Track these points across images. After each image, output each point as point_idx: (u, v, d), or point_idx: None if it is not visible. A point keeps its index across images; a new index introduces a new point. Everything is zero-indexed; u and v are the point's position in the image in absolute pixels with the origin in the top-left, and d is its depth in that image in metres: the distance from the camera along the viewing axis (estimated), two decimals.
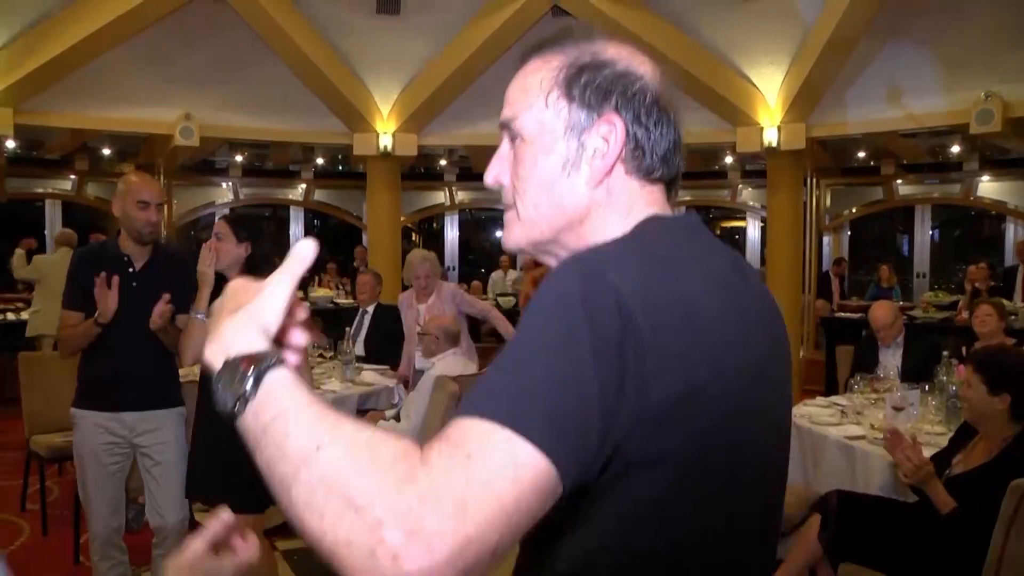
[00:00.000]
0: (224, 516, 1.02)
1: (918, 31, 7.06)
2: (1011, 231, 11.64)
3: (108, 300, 3.11)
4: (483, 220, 15.36)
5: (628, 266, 0.83)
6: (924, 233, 12.30)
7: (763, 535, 0.96)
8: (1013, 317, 6.82)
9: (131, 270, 3.27)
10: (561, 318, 0.77)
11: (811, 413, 4.15)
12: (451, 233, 14.41)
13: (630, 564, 0.85)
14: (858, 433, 3.71)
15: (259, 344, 0.78)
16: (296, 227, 13.74)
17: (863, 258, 13.02)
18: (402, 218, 10.34)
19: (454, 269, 13.95)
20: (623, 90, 0.95)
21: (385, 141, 8.45)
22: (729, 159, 11.46)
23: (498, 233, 13.98)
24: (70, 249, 8.05)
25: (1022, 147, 9.45)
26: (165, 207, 2.81)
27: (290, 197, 13.53)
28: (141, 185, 3.27)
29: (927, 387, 3.91)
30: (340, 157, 12.15)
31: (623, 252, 0.87)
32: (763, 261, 10.89)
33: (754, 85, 8.02)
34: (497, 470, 0.68)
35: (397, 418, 4.81)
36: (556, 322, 0.77)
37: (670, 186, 1.01)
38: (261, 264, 3.21)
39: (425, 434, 4.37)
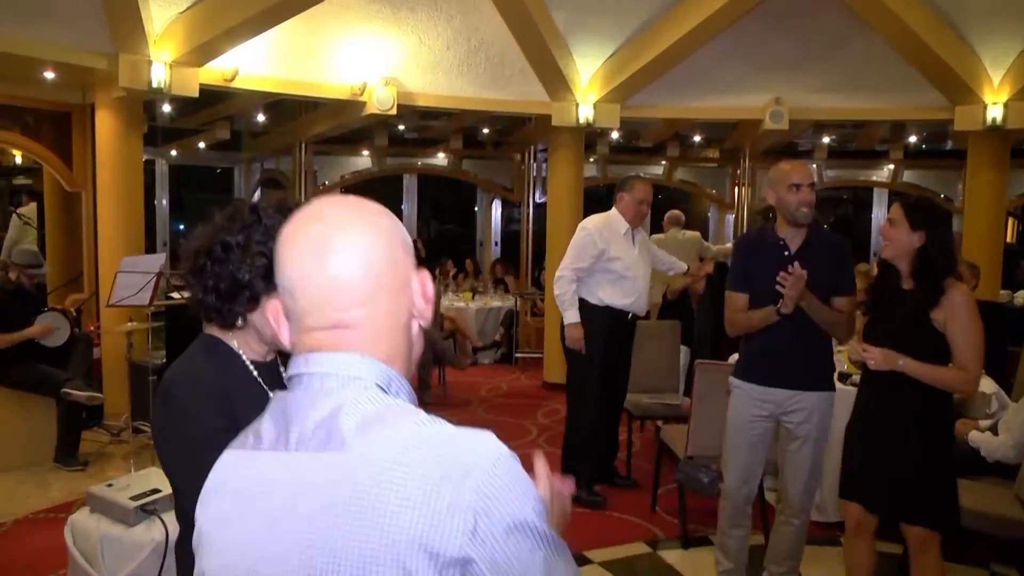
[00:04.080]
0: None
1: None
2: None
3: (788, 294, 3.19)
4: None
5: None
6: None
7: None
8: None
9: (787, 253, 3.38)
10: None
11: None
12: None
13: None
14: None
15: None
16: (879, 210, 12.99)
17: None
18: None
19: None
20: None
21: (994, 113, 7.41)
22: None
23: None
24: (679, 228, 8.79)
25: None
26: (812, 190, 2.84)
27: (873, 179, 12.85)
28: (792, 170, 3.38)
29: None
30: (925, 134, 11.15)
31: None
32: None
33: None
34: None
35: (994, 430, 4.25)
36: None
37: None
38: (936, 258, 2.90)
39: None
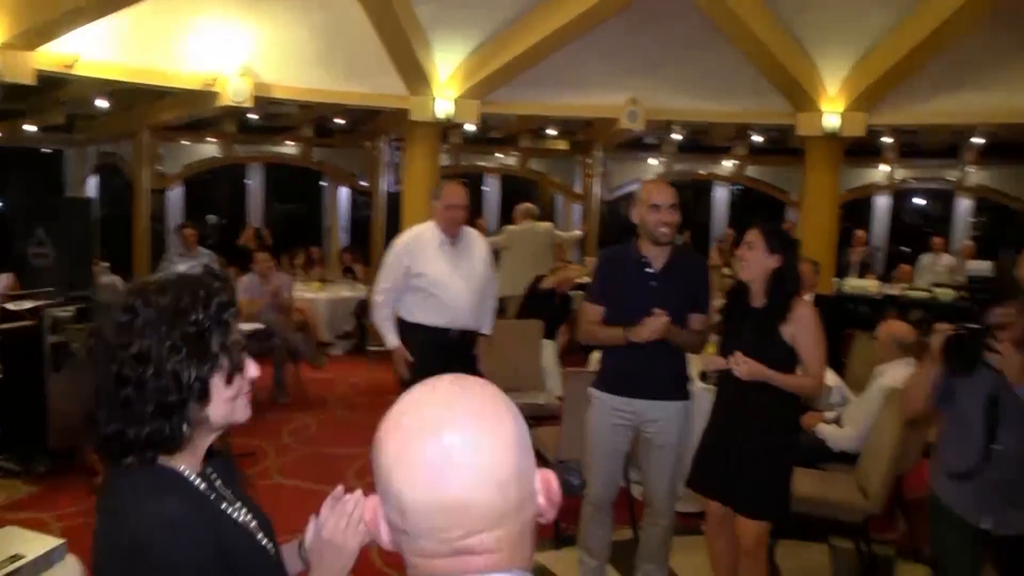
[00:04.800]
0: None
1: None
2: None
3: (641, 330, 3.29)
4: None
5: None
6: None
7: None
8: None
9: (649, 270, 3.45)
10: None
11: None
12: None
13: None
14: None
15: None
16: (721, 191, 13.82)
17: None
18: None
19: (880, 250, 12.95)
20: None
21: (831, 121, 7.95)
22: None
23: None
24: (534, 221, 8.86)
25: None
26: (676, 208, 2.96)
27: (716, 172, 13.50)
28: (653, 190, 3.45)
29: None
30: (768, 134, 11.81)
31: None
32: None
33: None
34: None
35: (839, 422, 4.57)
36: None
37: None
38: (788, 279, 3.17)
39: (871, 449, 4.09)
